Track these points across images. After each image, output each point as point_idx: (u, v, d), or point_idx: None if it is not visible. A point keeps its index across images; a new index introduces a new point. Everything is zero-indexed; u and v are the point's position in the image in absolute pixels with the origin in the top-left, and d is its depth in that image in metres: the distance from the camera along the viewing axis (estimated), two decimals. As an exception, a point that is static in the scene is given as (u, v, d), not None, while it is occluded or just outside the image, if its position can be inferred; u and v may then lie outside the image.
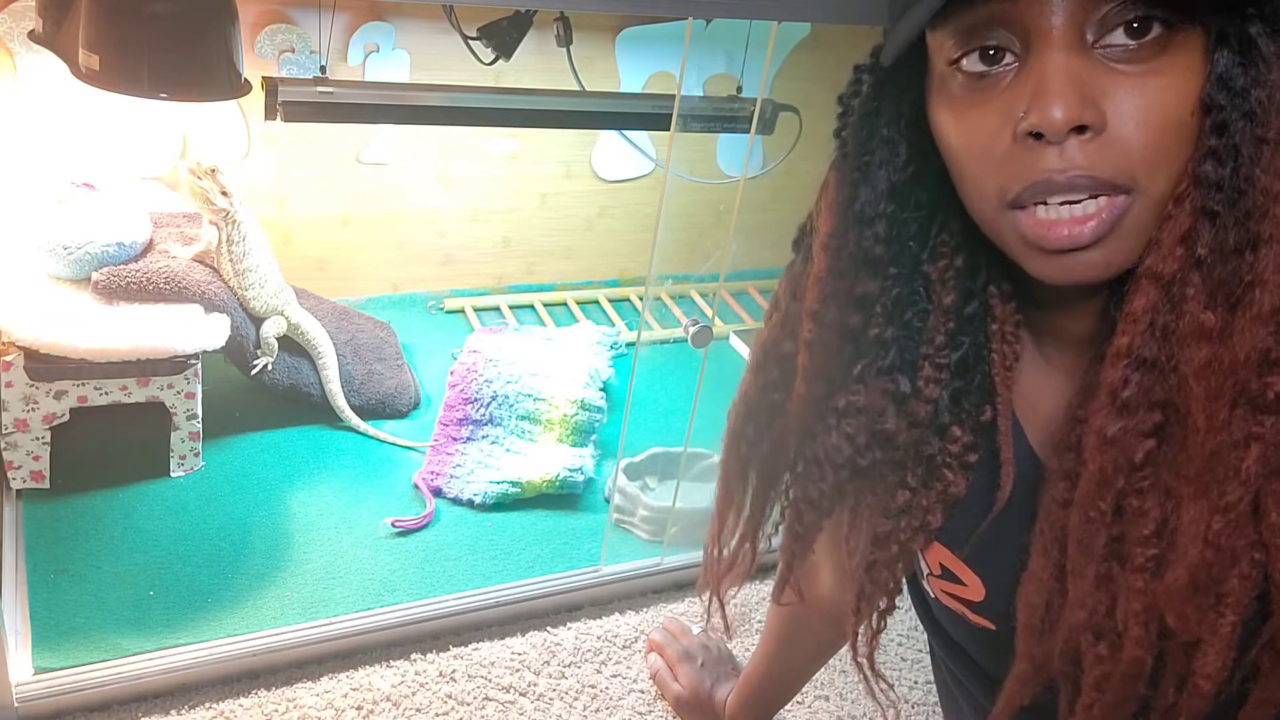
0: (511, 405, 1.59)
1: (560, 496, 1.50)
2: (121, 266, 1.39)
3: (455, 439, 1.57)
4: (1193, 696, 0.59)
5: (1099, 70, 0.53)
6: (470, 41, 1.58)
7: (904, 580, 0.75)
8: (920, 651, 1.39)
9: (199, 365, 1.40)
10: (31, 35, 1.26)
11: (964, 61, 0.57)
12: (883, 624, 0.76)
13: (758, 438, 0.75)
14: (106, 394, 1.35)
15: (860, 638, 0.76)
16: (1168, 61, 0.53)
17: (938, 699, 0.93)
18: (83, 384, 1.33)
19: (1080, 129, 0.53)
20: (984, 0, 0.54)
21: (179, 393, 1.39)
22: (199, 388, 1.41)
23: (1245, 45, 0.54)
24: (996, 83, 0.56)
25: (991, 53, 0.55)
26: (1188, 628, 0.57)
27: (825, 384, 0.69)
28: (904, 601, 0.77)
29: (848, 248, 0.66)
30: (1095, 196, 0.54)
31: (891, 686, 0.82)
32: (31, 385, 1.31)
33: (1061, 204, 0.55)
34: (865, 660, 0.77)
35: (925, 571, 0.76)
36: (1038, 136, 0.54)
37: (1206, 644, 0.57)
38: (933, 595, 0.78)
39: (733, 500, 0.80)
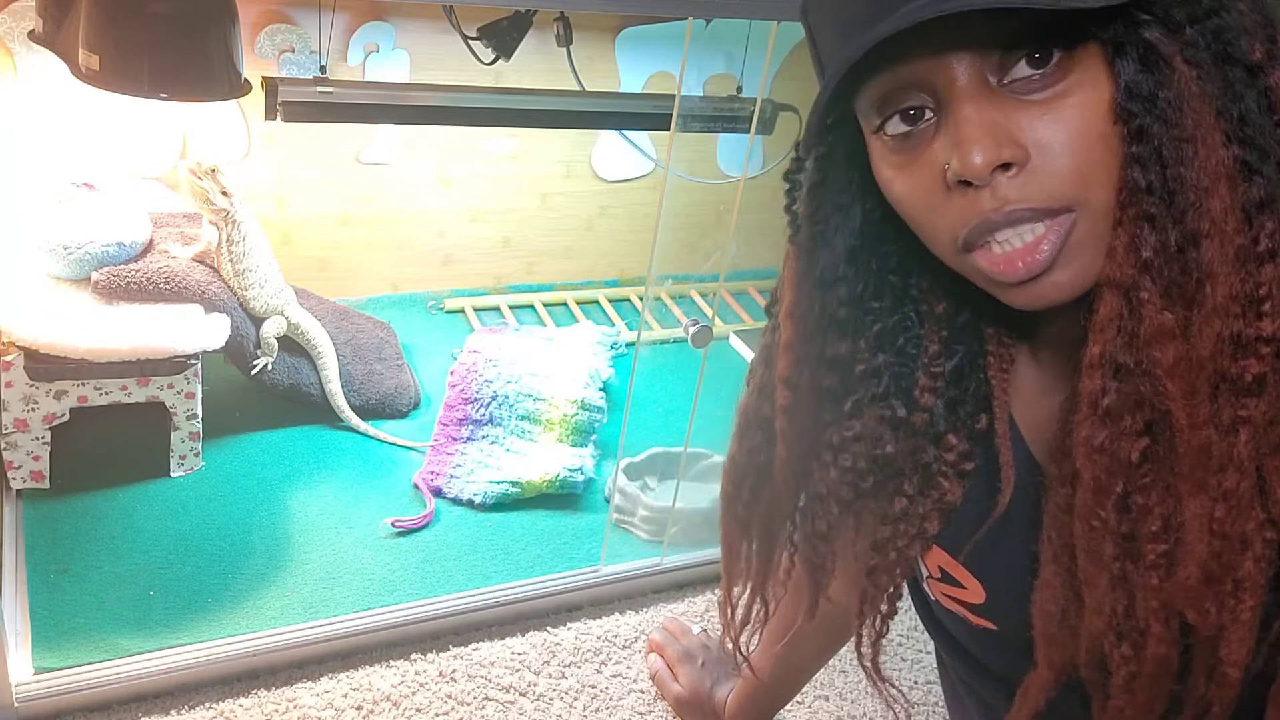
0: (511, 405, 1.59)
1: (560, 496, 1.50)
2: (121, 266, 1.39)
3: (455, 439, 1.57)
4: (1222, 685, 0.58)
5: (1010, 106, 0.55)
6: (470, 41, 1.58)
7: (904, 584, 0.75)
8: (919, 651, 1.39)
9: (199, 365, 1.40)
10: (31, 35, 1.26)
11: (887, 126, 0.59)
12: (885, 628, 0.76)
13: (752, 498, 0.77)
14: (106, 394, 1.35)
15: (865, 640, 0.77)
16: (1075, 81, 0.54)
17: (938, 699, 0.94)
18: (83, 384, 1.33)
19: (1004, 166, 0.54)
20: (887, 69, 0.56)
21: (179, 393, 1.39)
22: (199, 388, 1.42)
23: (1144, 50, 0.54)
24: (922, 138, 0.58)
25: (911, 113, 0.58)
26: (1209, 621, 0.57)
27: (805, 445, 0.71)
28: (905, 602, 0.77)
29: (814, 312, 0.68)
30: (1039, 221, 0.55)
31: (897, 688, 0.83)
32: (31, 385, 1.31)
33: (1008, 238, 0.56)
34: (870, 664, 0.78)
35: (925, 575, 0.77)
36: (967, 184, 0.55)
37: (1229, 631, 0.57)
38: (933, 598, 0.78)
39: (738, 558, 0.81)
